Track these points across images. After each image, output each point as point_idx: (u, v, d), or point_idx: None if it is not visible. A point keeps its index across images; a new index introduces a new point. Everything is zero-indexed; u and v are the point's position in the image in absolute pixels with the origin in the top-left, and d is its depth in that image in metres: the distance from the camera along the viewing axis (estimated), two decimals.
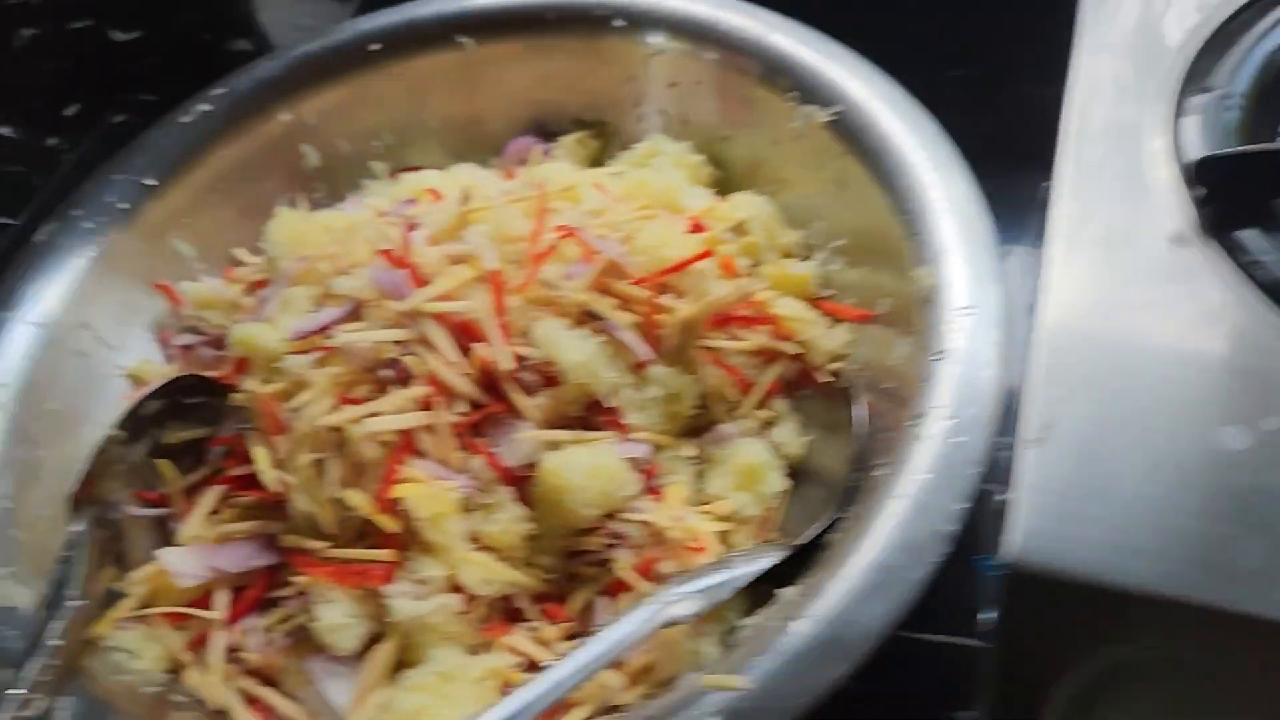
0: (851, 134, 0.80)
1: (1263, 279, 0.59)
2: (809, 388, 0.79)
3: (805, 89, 0.84)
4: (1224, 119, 0.67)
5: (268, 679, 0.70)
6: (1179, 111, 0.68)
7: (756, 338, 0.78)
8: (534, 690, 0.59)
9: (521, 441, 0.70)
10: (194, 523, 0.76)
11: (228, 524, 0.74)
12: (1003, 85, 1.01)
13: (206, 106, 0.93)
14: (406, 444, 0.70)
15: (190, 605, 0.72)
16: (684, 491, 0.73)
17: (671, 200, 0.84)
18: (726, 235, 0.82)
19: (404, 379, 0.72)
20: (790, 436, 0.76)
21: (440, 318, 0.73)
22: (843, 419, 0.74)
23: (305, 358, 0.73)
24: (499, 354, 0.71)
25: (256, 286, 0.88)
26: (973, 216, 0.72)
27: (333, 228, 0.83)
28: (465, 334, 0.73)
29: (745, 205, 0.85)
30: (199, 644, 0.71)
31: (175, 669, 0.71)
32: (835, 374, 0.76)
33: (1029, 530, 0.53)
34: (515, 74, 0.97)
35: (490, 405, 0.72)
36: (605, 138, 0.98)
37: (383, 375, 0.72)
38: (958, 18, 1.01)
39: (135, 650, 0.70)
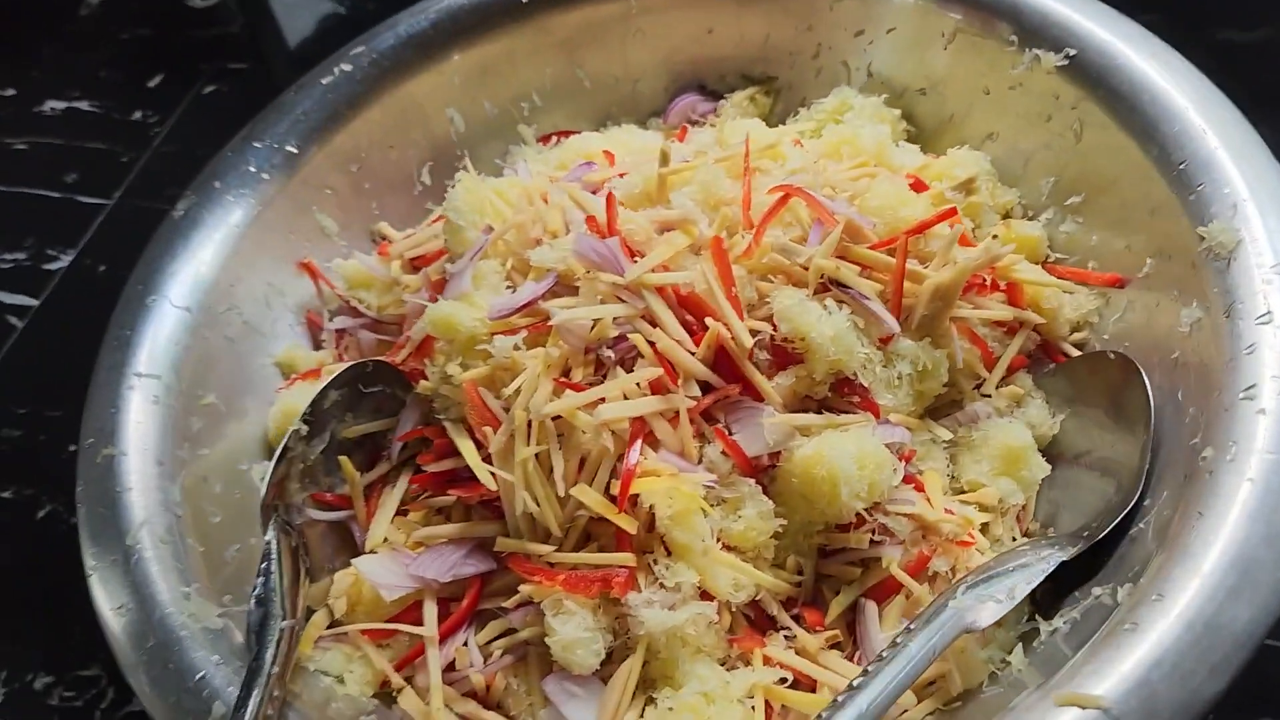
0: (1091, 78, 0.72)
1: None
2: (1052, 361, 0.71)
3: (1028, 31, 0.75)
4: None
5: (488, 702, 0.62)
6: None
7: (999, 307, 0.70)
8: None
9: (768, 428, 0.62)
10: (381, 526, 0.68)
11: (426, 527, 0.66)
12: (1198, 30, 0.93)
13: (347, 66, 0.84)
14: (638, 432, 0.62)
15: (392, 620, 0.64)
16: (940, 479, 0.65)
17: (883, 157, 0.76)
18: (952, 194, 0.74)
19: (627, 360, 0.64)
20: (1041, 416, 0.68)
21: (661, 291, 0.65)
22: (1101, 395, 0.66)
23: (509, 338, 0.65)
24: (736, 330, 0.63)
25: (417, 263, 0.79)
26: (1262, 164, 0.64)
27: (516, 194, 0.75)
28: (691, 309, 0.65)
29: (965, 161, 0.77)
30: (407, 663, 0.63)
31: (383, 692, 0.63)
32: (1111, 350, 0.67)
33: None
34: (676, 27, 0.89)
35: (725, 388, 0.64)
36: (775, 95, 0.90)
37: (603, 356, 0.64)
38: None
39: (341, 673, 0.63)
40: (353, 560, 0.65)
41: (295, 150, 0.81)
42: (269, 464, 0.73)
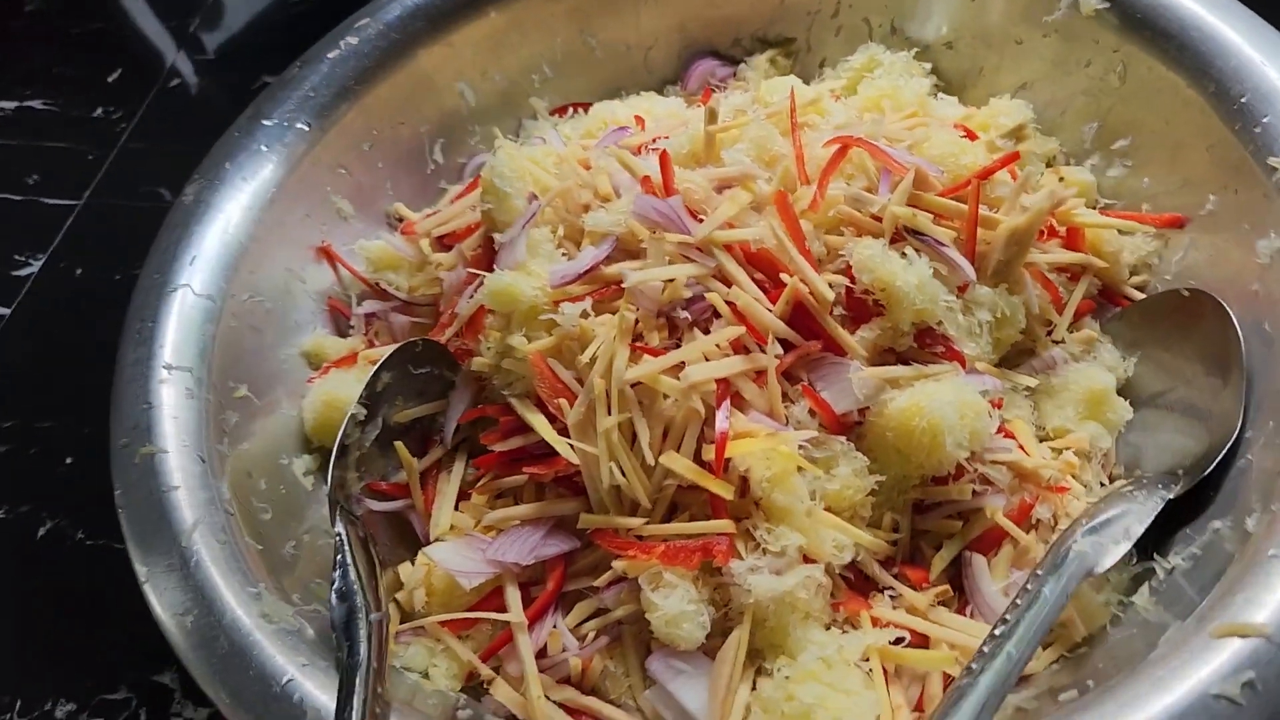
0: (1135, 20, 0.71)
1: None
2: (1115, 306, 0.70)
3: None
4: None
5: (584, 687, 0.59)
6: None
7: (1065, 252, 0.69)
8: (982, 692, 0.48)
9: (857, 382, 0.60)
10: (445, 513, 0.64)
11: (497, 510, 0.62)
12: None
13: (353, 39, 0.80)
14: (725, 394, 0.59)
15: (473, 609, 0.60)
16: (1028, 427, 0.64)
17: (926, 109, 0.75)
18: (1003, 142, 0.73)
19: (701, 321, 0.62)
20: (1114, 359, 0.68)
21: (730, 249, 0.62)
22: (1176, 334, 0.66)
23: (576, 306, 0.62)
24: (815, 284, 0.61)
25: (446, 240, 0.75)
26: None
27: (552, 163, 0.71)
28: (759, 266, 0.63)
29: (1009, 110, 0.75)
30: (492, 653, 0.59)
31: (470, 685, 0.59)
32: (1188, 288, 0.66)
33: None
34: None
35: (806, 345, 0.61)
36: (794, 57, 0.88)
37: (678, 318, 0.61)
38: None
39: (425, 669, 0.59)
40: (424, 549, 0.61)
41: (306, 127, 0.77)
42: (309, 457, 0.69)
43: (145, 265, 0.70)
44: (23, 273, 0.97)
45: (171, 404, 0.63)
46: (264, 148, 0.75)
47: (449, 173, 0.85)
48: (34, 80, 1.14)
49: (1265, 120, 0.64)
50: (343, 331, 0.77)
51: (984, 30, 0.80)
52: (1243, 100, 0.65)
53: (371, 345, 0.74)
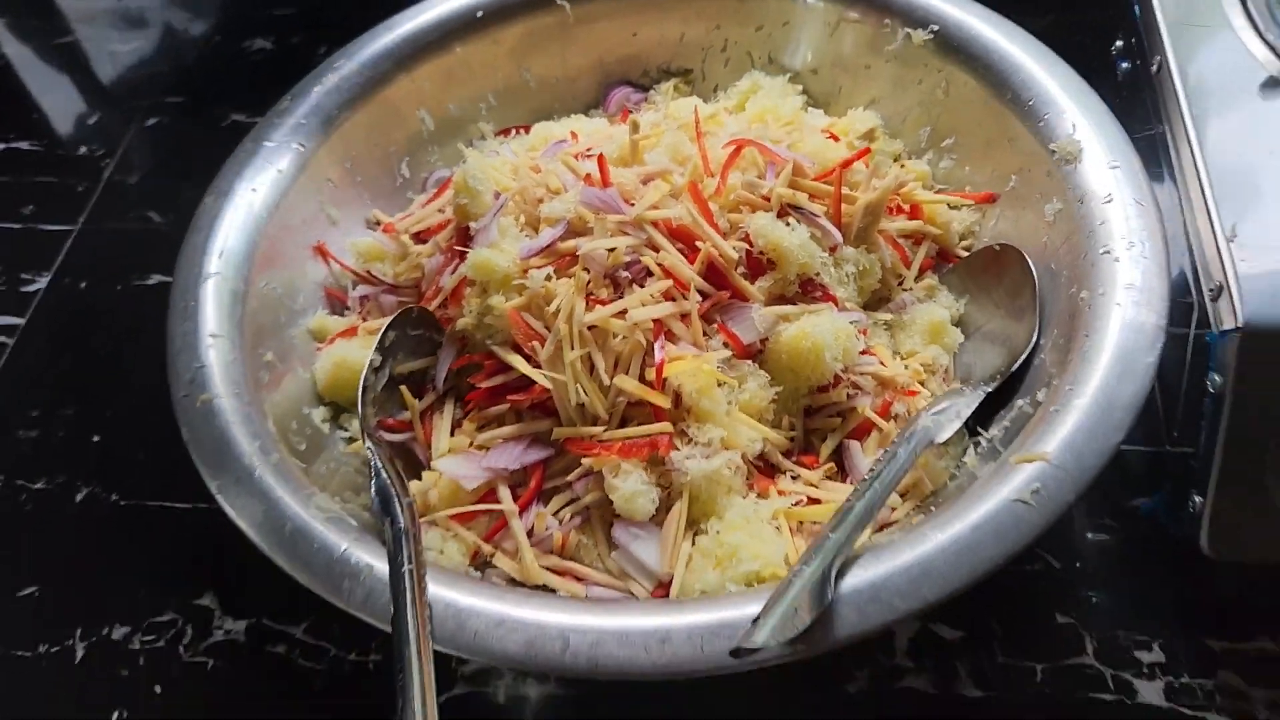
0: (954, 47, 0.93)
1: None
2: (950, 263, 0.92)
3: (898, 14, 0.97)
4: None
5: (564, 558, 0.76)
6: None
7: (907, 222, 0.90)
8: (859, 511, 0.67)
9: (758, 318, 0.80)
10: (443, 439, 0.81)
11: (487, 431, 0.80)
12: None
13: (333, 76, 0.97)
14: (659, 331, 0.78)
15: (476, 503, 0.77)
16: (886, 350, 0.84)
17: (799, 119, 0.96)
18: (859, 142, 0.94)
19: (638, 279, 0.80)
20: (949, 301, 0.89)
21: (656, 224, 0.82)
22: (993, 278, 0.87)
23: (540, 272, 0.80)
24: (722, 248, 0.80)
25: (421, 236, 0.93)
26: (1087, 95, 0.86)
27: (508, 169, 0.90)
28: (678, 237, 0.82)
29: (861, 119, 0.97)
30: (491, 536, 0.77)
31: (476, 561, 0.76)
32: (998, 244, 0.88)
33: (1251, 298, 0.67)
34: (606, 33, 1.06)
35: (717, 294, 0.81)
36: (692, 84, 1.08)
37: (620, 277, 0.80)
38: None
39: (440, 548, 0.75)
40: (433, 462, 0.79)
41: (300, 148, 0.93)
42: (323, 409, 0.86)
43: (180, 260, 0.86)
44: (31, 288, 1.11)
45: (219, 363, 0.79)
46: (268, 164, 0.92)
47: (414, 185, 1.03)
48: (19, 125, 1.27)
49: (1046, 116, 0.86)
50: (339, 313, 0.93)
51: (840, 59, 1.02)
52: (1030, 104, 0.87)
53: (365, 321, 0.91)
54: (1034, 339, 0.80)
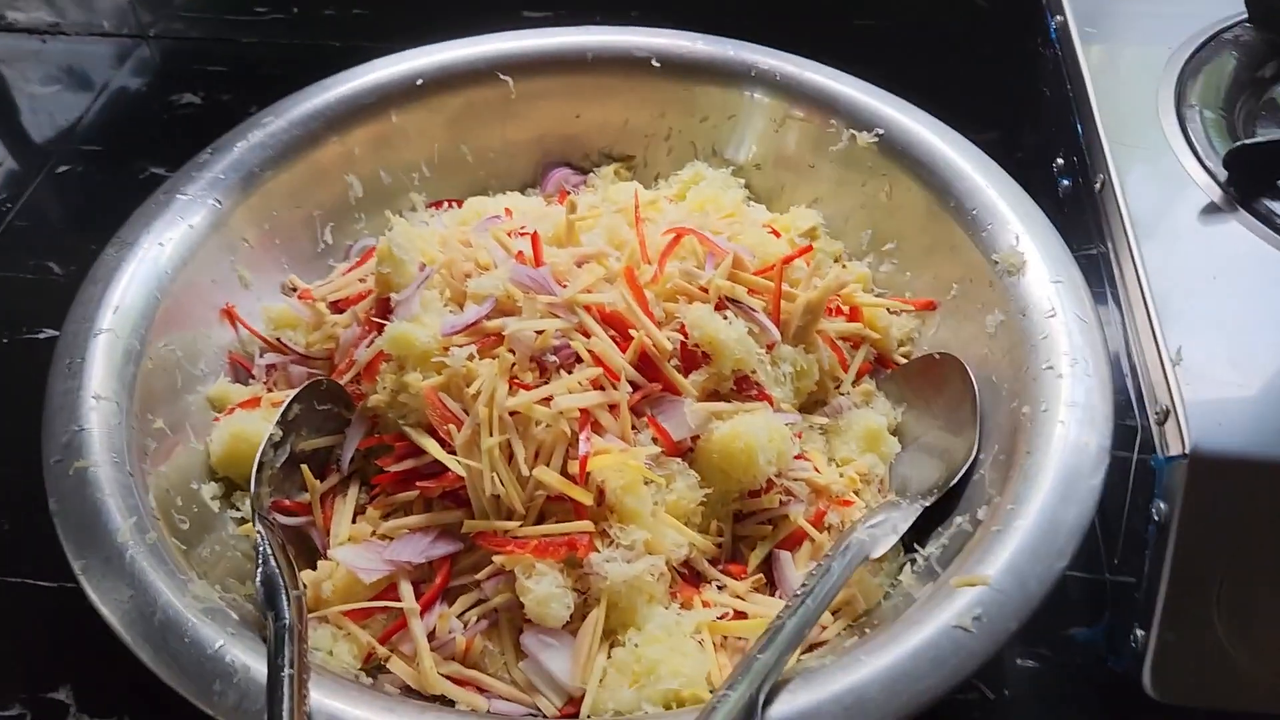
0: (898, 151, 0.92)
1: None
2: (888, 369, 0.89)
3: (844, 116, 0.96)
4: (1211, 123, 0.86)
5: (467, 665, 0.70)
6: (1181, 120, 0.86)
7: (847, 324, 0.87)
8: (790, 631, 0.62)
9: (690, 414, 0.75)
10: (343, 527, 0.75)
11: (390, 520, 0.74)
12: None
13: (259, 132, 0.92)
14: (586, 421, 0.73)
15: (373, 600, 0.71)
16: (821, 456, 0.80)
17: (740, 212, 0.93)
18: (800, 239, 0.91)
19: (566, 364, 0.76)
20: (886, 409, 0.86)
21: (588, 309, 0.78)
22: (932, 387, 0.84)
23: (463, 350, 0.75)
24: (656, 338, 0.77)
25: (340, 305, 0.88)
26: (1029, 208, 0.85)
27: (436, 240, 0.86)
28: (611, 324, 0.78)
29: (803, 216, 0.95)
30: (388, 637, 0.70)
31: (368, 666, 0.69)
32: (938, 353, 0.85)
33: (1198, 424, 0.65)
34: (548, 111, 1.03)
35: (649, 386, 0.77)
36: (633, 169, 1.06)
37: (547, 361, 0.76)
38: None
39: (329, 648, 0.69)
40: (331, 550, 0.72)
41: (217, 204, 0.88)
42: (214, 484, 0.79)
43: (70, 313, 0.79)
44: None
45: (100, 427, 0.72)
46: (180, 218, 0.86)
47: (336, 252, 0.98)
48: None
49: (990, 227, 0.84)
50: (243, 381, 0.87)
51: (784, 156, 1.00)
52: (973, 213, 0.86)
53: (270, 390, 0.85)
54: (974, 454, 0.77)
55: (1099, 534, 0.79)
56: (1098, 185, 0.84)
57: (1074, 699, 0.78)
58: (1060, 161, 0.96)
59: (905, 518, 0.74)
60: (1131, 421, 0.73)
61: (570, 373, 0.75)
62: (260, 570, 0.66)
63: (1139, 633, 0.69)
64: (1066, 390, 0.73)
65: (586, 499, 0.71)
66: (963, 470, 0.76)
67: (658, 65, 1.01)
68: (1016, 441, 0.73)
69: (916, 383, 0.86)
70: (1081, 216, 0.88)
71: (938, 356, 0.85)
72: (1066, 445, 0.70)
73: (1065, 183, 0.94)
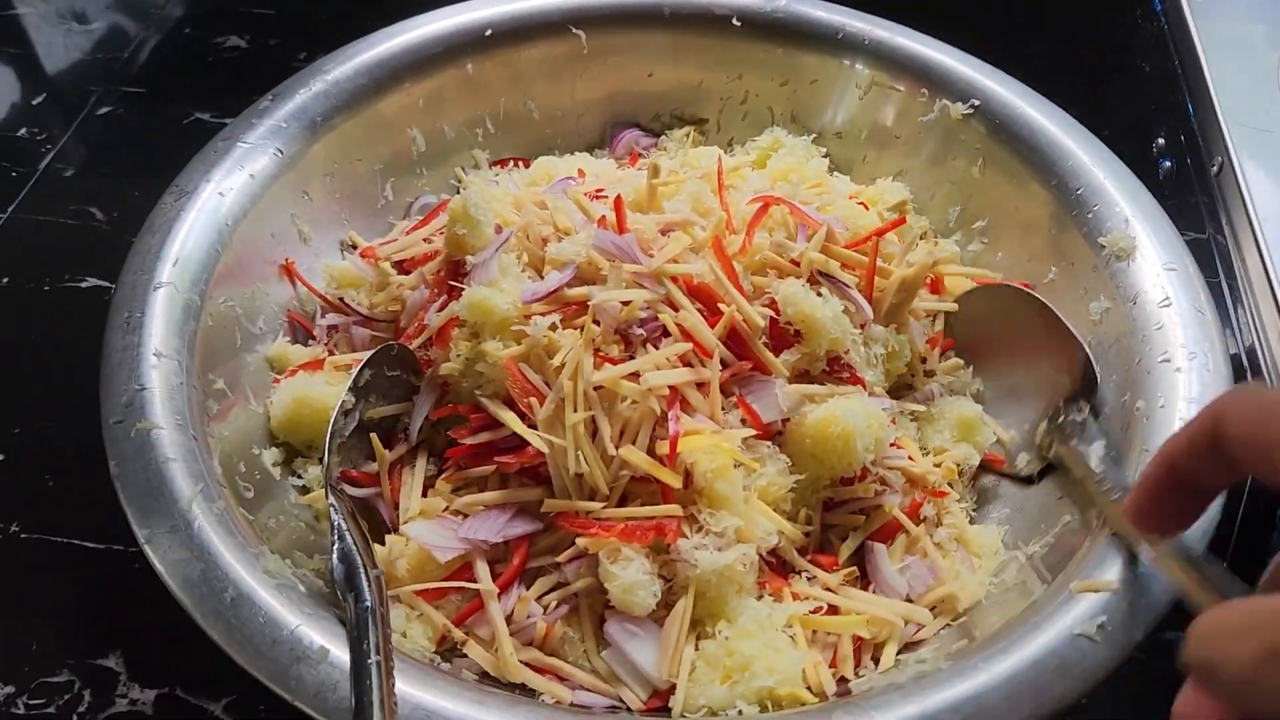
0: (994, 124, 0.88)
1: None
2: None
3: (935, 85, 0.91)
4: None
5: (546, 651, 0.66)
6: None
7: (934, 299, 0.83)
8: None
9: (782, 396, 0.71)
10: (413, 500, 0.71)
11: (466, 495, 0.70)
12: None
13: (322, 79, 0.88)
14: (675, 399, 0.69)
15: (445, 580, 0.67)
16: (914, 444, 0.76)
17: (826, 183, 0.88)
18: (889, 214, 0.87)
19: (653, 338, 0.72)
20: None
21: (676, 280, 0.73)
22: (1018, 374, 0.80)
23: (545, 319, 0.71)
24: (748, 313, 0.72)
25: (406, 265, 0.83)
26: (1138, 190, 0.81)
27: (509, 202, 0.81)
28: (698, 296, 0.74)
29: (891, 190, 0.90)
30: (463, 619, 0.66)
31: (442, 650, 0.66)
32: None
33: None
34: (621, 69, 0.98)
35: (739, 364, 0.72)
36: (706, 133, 1.01)
37: (632, 334, 0.71)
38: None
39: (403, 630, 0.65)
40: (403, 526, 0.68)
41: (278, 154, 0.83)
42: (275, 450, 0.75)
43: (127, 264, 0.75)
44: None
45: (162, 386, 0.68)
46: (240, 167, 0.81)
47: (396, 209, 0.93)
48: None
49: (1096, 208, 0.80)
50: (302, 341, 0.83)
51: (868, 125, 0.95)
52: (1079, 193, 0.82)
53: (331, 354, 0.81)
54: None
55: None
56: (1214, 168, 0.79)
57: (1162, 706, 0.74)
58: (1161, 141, 0.92)
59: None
60: None
61: (657, 347, 0.71)
62: (337, 547, 0.62)
63: None
64: (1185, 385, 0.69)
65: (676, 482, 0.67)
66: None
67: (738, 24, 0.96)
68: (1130, 438, 0.69)
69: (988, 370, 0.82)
70: (1188, 200, 0.84)
71: (984, 289, 0.81)
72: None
73: (1167, 164, 0.89)
